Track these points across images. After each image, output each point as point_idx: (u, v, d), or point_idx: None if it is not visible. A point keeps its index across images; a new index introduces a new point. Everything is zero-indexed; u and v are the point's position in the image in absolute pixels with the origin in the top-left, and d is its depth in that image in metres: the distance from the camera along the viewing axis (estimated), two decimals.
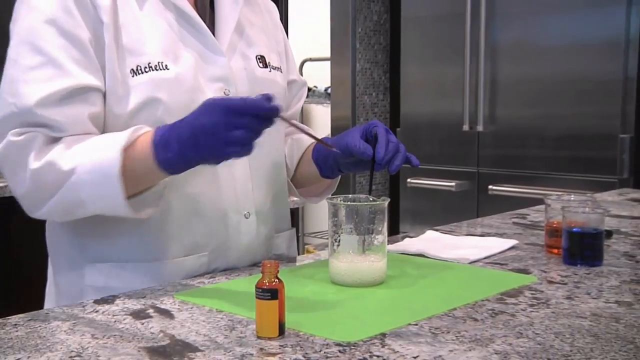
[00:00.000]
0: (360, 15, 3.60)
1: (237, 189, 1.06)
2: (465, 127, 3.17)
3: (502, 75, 3.09)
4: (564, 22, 2.92)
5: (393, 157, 1.00)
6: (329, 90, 3.92)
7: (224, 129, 0.86)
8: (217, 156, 0.90)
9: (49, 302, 1.12)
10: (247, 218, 1.07)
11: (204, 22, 1.05)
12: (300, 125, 1.03)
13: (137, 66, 0.98)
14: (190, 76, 1.01)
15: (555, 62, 2.94)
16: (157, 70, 0.98)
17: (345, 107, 3.60)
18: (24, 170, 0.94)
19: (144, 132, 0.95)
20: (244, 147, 0.88)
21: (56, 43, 0.95)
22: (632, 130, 2.83)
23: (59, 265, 1.09)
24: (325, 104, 4.15)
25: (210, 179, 1.03)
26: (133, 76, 0.98)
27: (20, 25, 0.98)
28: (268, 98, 0.87)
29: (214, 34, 1.06)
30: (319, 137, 1.00)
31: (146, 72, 0.98)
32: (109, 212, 0.95)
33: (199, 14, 1.05)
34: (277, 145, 1.15)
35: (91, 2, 0.97)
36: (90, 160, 0.92)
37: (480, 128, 3.13)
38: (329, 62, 3.68)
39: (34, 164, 0.93)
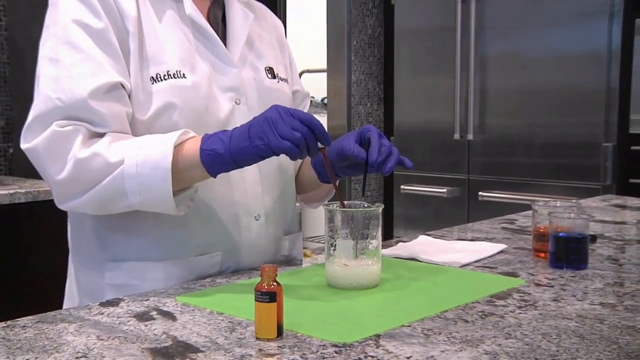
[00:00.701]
0: (355, 29, 3.61)
1: (247, 193, 1.07)
2: (456, 136, 3.17)
3: (491, 86, 3.10)
4: (549, 36, 2.93)
5: (386, 159, 1.00)
6: (325, 101, 3.93)
7: (280, 120, 0.89)
8: (265, 147, 0.90)
9: (68, 299, 1.12)
10: (257, 220, 1.08)
11: (217, 35, 1.07)
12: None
13: (157, 74, 0.99)
14: (205, 85, 1.02)
15: (541, 73, 2.96)
16: (175, 78, 1.00)
17: (341, 116, 3.61)
18: (66, 159, 0.93)
19: (193, 136, 0.96)
20: (293, 147, 0.89)
21: (91, 43, 0.96)
22: (614, 139, 2.84)
23: (80, 264, 1.09)
24: (322, 114, 4.16)
25: (223, 184, 1.04)
26: (153, 83, 0.99)
27: (55, 28, 0.98)
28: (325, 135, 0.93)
29: (226, 46, 1.08)
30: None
31: (165, 79, 1.00)
32: (150, 205, 0.95)
33: (212, 28, 1.07)
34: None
35: (119, 12, 0.99)
36: (140, 154, 0.92)
37: (470, 137, 3.14)
38: (325, 74, 3.69)
39: (79, 153, 0.93)
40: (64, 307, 1.11)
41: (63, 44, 0.97)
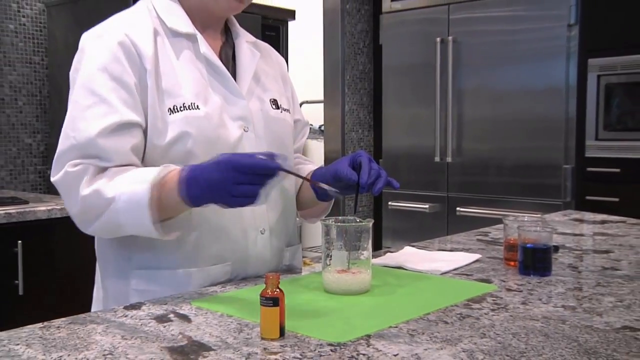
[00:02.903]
0: (348, 65, 3.64)
1: (254, 211, 1.06)
2: (437, 159, 3.18)
3: (466, 115, 3.12)
4: (516, 72, 2.96)
5: (375, 181, 1.00)
6: (322, 128, 3.94)
7: (230, 184, 0.87)
8: (226, 204, 0.90)
9: (96, 303, 1.11)
10: (262, 234, 1.07)
11: (228, 71, 1.07)
12: (299, 175, 1.02)
13: (174, 105, 1.00)
14: (217, 115, 1.02)
15: (509, 104, 2.97)
16: (190, 109, 1.00)
17: (336, 142, 3.62)
18: (76, 196, 0.96)
19: (172, 170, 0.95)
20: (247, 199, 0.88)
21: (108, 86, 0.97)
22: (573, 161, 2.85)
23: (107, 272, 1.09)
24: (319, 139, 4.17)
25: None
26: (170, 114, 0.99)
27: (80, 73, 1.00)
28: (271, 156, 0.88)
29: (236, 81, 1.08)
30: (316, 166, 1.00)
31: (181, 111, 1.00)
32: (143, 234, 0.96)
33: (224, 64, 1.07)
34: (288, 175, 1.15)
35: (137, 53, 0.99)
36: (126, 191, 0.93)
37: (449, 159, 3.15)
38: (322, 104, 3.71)
39: (84, 191, 0.95)
40: (92, 310, 1.10)
41: (83, 89, 0.99)
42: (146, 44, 1.00)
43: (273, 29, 2.65)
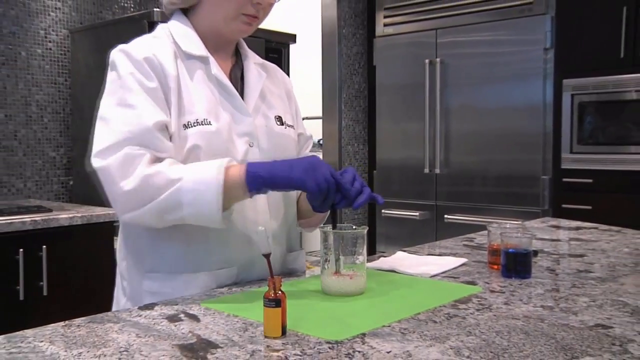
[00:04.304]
0: (345, 84, 3.65)
1: (258, 218, 1.05)
2: (426, 170, 3.19)
3: (453, 130, 3.12)
4: (498, 91, 2.97)
5: (357, 196, 0.96)
6: (321, 142, 3.95)
7: (327, 170, 0.92)
8: (304, 182, 0.91)
9: (116, 302, 1.10)
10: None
11: (237, 90, 1.07)
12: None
13: (188, 121, 0.99)
14: (226, 131, 1.02)
15: (492, 120, 2.98)
16: (203, 125, 1.00)
17: (333, 154, 3.62)
18: (135, 174, 0.91)
19: (236, 164, 0.96)
20: (318, 195, 0.91)
21: (146, 96, 0.97)
22: (550, 172, 2.86)
23: (124, 274, 1.08)
24: (318, 152, 4.17)
25: (240, 212, 1.03)
26: (185, 129, 0.99)
27: (118, 82, 0.99)
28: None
29: (243, 99, 1.08)
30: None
31: (195, 126, 0.99)
32: (199, 217, 0.93)
33: (233, 84, 1.07)
34: None
35: (163, 73, 1.00)
36: (195, 173, 0.92)
37: (437, 170, 3.15)
38: (321, 120, 3.71)
39: (146, 170, 0.92)
40: (113, 309, 1.10)
41: (128, 92, 0.97)
42: (170, 64, 1.01)
43: (276, 52, 2.66)
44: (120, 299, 1.09)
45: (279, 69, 1.25)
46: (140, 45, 1.02)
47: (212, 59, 1.06)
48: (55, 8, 2.48)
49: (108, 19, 2.59)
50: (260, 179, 0.92)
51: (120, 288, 1.10)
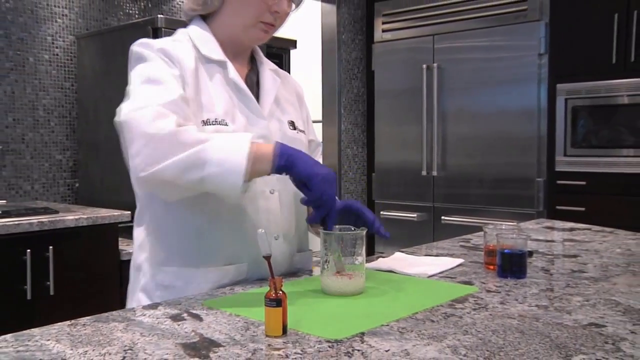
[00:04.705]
0: (344, 89, 3.65)
1: (270, 217, 1.06)
2: (424, 172, 3.19)
3: (450, 134, 3.12)
4: (493, 95, 2.97)
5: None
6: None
7: (328, 182, 0.92)
8: (321, 183, 0.91)
9: (131, 295, 1.10)
10: (276, 239, 1.07)
11: (252, 94, 1.08)
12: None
13: (208, 119, 1.00)
14: (241, 132, 1.02)
15: (488, 124, 2.98)
16: (220, 124, 1.00)
17: (333, 157, 3.63)
18: (164, 128, 0.88)
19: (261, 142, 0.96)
20: (320, 202, 0.92)
21: (170, 73, 0.98)
22: (544, 175, 2.86)
23: (140, 268, 1.08)
24: (318, 156, 4.16)
25: (253, 212, 1.04)
26: (204, 125, 0.99)
27: (147, 63, 0.98)
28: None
29: (258, 103, 1.09)
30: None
31: (213, 124, 1.00)
32: (220, 179, 0.89)
33: (249, 88, 1.08)
34: None
35: (180, 64, 1.00)
36: (224, 137, 0.91)
37: (434, 173, 3.15)
38: (321, 124, 3.71)
39: (175, 126, 0.89)
40: (127, 302, 1.10)
41: (152, 70, 0.97)
42: (188, 59, 1.02)
43: (277, 57, 2.66)
44: (134, 292, 1.09)
45: (290, 76, 1.26)
46: (159, 41, 1.04)
47: (229, 64, 1.07)
48: (62, 15, 2.48)
49: (113, 25, 2.60)
50: (287, 155, 0.91)
51: (135, 282, 1.10)
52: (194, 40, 1.07)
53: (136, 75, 0.98)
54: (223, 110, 1.02)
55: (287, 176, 0.94)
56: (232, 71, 1.06)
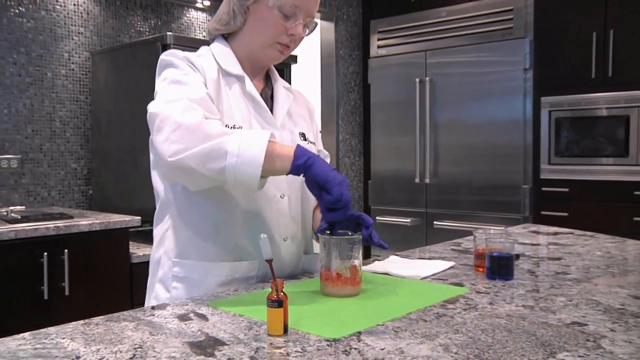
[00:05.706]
0: (342, 101, 3.66)
1: (280, 220, 1.06)
2: (417, 180, 3.19)
3: (442, 143, 3.13)
4: (482, 107, 2.98)
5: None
6: None
7: (345, 187, 0.91)
8: (339, 186, 0.90)
9: (150, 288, 1.10)
10: (285, 241, 1.07)
11: (267, 107, 1.10)
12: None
13: (227, 124, 1.00)
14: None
15: (477, 134, 2.99)
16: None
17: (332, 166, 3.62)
18: (192, 118, 0.90)
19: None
20: (340, 201, 0.90)
21: (195, 76, 1.00)
22: (530, 182, 2.86)
23: (157, 262, 1.08)
24: None
25: (265, 212, 1.04)
26: None
27: (172, 69, 1.00)
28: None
29: (272, 115, 1.10)
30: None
31: (232, 129, 0.99)
32: (239, 170, 0.88)
33: (264, 101, 1.10)
34: (307, 193, 1.13)
35: (203, 74, 1.02)
36: (246, 132, 0.91)
37: (427, 180, 3.16)
38: (320, 134, 3.71)
39: (203, 118, 0.91)
40: (146, 295, 1.10)
41: (178, 73, 0.99)
42: (210, 71, 1.04)
43: (279, 71, 2.65)
44: (153, 285, 1.09)
45: (302, 93, 1.28)
46: (184, 52, 1.05)
47: (247, 78, 1.09)
48: (78, 33, 2.50)
49: (125, 42, 2.61)
50: (306, 156, 0.91)
51: (153, 275, 1.10)
52: (215, 56, 1.09)
53: (164, 78, 1.00)
54: (240, 119, 1.04)
55: (302, 178, 0.93)
56: (249, 85, 1.08)
